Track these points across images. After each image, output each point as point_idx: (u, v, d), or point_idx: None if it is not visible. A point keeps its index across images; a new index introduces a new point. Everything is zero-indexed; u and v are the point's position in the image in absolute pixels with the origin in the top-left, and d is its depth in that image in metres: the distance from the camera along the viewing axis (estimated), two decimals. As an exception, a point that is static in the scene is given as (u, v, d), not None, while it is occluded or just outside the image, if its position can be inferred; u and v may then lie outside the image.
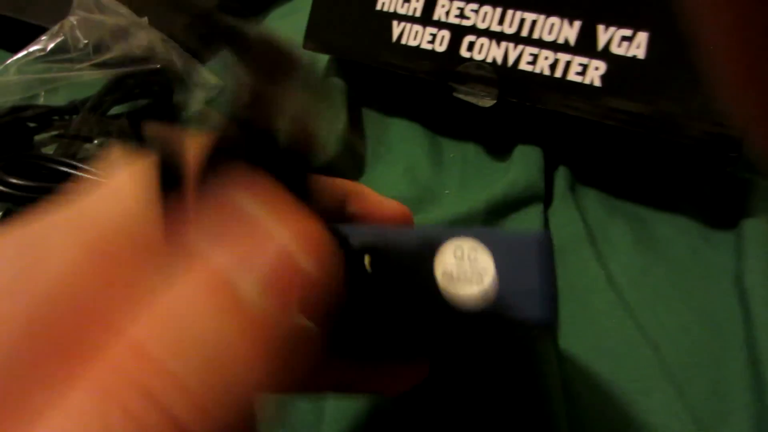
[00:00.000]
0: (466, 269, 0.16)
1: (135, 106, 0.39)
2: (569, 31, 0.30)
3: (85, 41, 0.38)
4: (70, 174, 0.30)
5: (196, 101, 0.40)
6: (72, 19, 0.38)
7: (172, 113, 0.39)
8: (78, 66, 0.37)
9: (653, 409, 0.24)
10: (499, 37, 0.32)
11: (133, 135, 0.36)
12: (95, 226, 0.12)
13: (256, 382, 0.10)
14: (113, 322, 0.10)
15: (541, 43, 0.31)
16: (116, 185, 0.13)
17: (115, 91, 0.37)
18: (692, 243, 0.30)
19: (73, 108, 0.35)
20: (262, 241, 0.11)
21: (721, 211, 0.31)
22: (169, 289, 0.11)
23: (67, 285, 0.11)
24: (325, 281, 0.11)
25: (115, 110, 0.38)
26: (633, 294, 0.28)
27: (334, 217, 0.18)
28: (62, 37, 0.38)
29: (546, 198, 0.33)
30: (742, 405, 0.24)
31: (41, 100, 0.36)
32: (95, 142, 0.35)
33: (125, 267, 0.11)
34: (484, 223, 0.32)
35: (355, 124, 0.39)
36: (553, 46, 0.30)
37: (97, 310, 0.11)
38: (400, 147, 0.38)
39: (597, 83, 0.29)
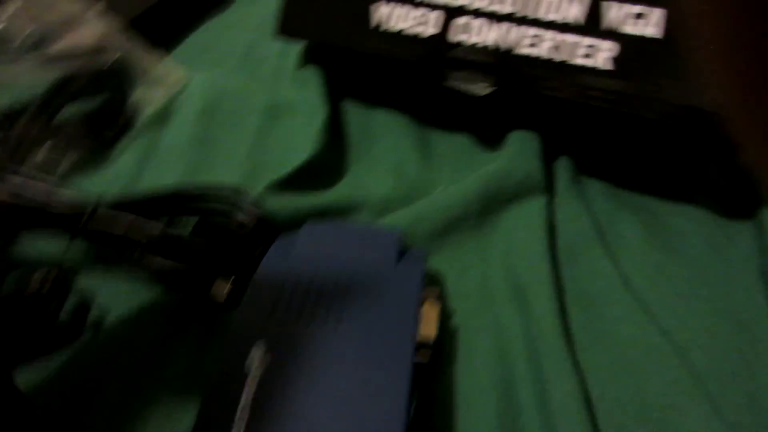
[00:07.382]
0: None
1: (88, 106, 0.35)
2: (575, 9, 0.27)
3: (30, 30, 0.34)
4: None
5: (157, 99, 0.36)
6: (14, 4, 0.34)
7: (130, 113, 0.35)
8: (21, 59, 0.33)
9: (689, 428, 0.22)
10: (495, 17, 0.29)
11: (86, 139, 0.32)
12: None
13: None
14: None
15: (543, 24, 0.28)
16: None
17: (64, 89, 0.33)
18: (709, 236, 0.28)
19: (16, 110, 0.31)
20: None
21: (737, 201, 0.29)
22: None
23: None
24: None
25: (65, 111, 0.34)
26: (652, 296, 0.26)
27: None
28: (2, 25, 0.33)
29: (547, 190, 0.30)
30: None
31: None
32: (44, 147, 0.31)
33: None
34: (479, 218, 0.29)
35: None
36: (557, 26, 0.28)
37: None
38: (385, 141, 0.35)
39: (607, 66, 0.27)
